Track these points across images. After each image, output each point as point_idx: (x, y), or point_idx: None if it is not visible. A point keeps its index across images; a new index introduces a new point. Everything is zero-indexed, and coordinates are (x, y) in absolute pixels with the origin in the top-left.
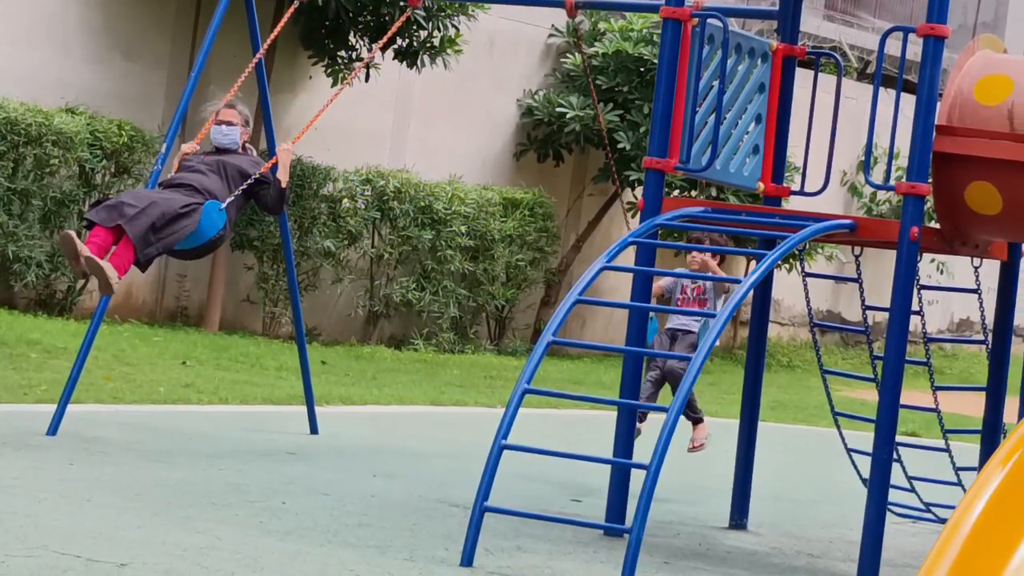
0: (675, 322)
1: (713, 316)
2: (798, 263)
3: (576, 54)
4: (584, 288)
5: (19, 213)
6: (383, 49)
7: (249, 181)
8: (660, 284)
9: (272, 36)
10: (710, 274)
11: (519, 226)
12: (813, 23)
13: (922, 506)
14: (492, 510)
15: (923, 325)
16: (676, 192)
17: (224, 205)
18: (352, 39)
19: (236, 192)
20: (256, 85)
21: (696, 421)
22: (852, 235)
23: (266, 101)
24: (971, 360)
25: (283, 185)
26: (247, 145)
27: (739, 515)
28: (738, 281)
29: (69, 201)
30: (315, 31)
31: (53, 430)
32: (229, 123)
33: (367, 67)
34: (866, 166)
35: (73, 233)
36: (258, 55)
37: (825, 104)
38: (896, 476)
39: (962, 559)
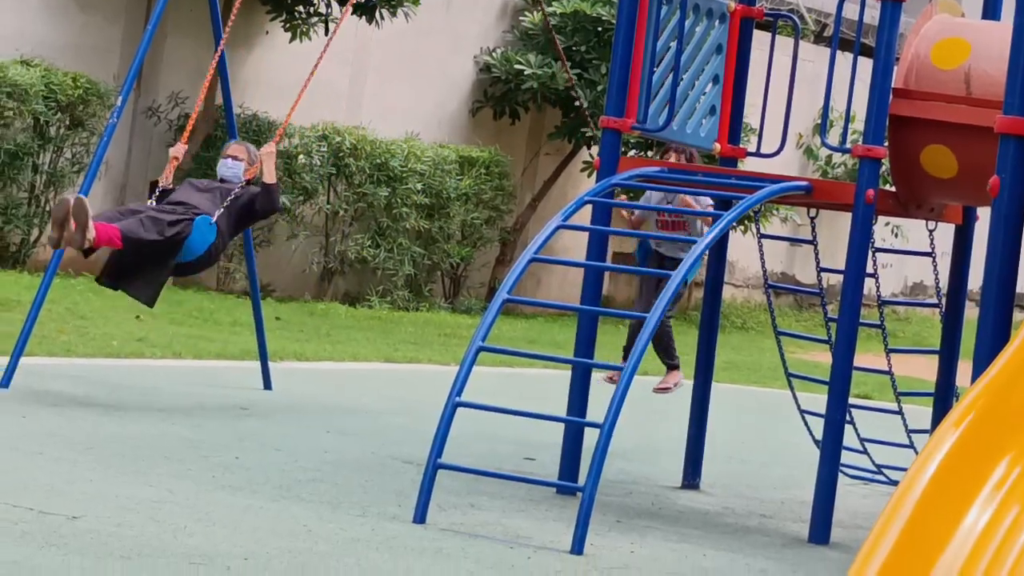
0: (663, 247)
1: (694, 241)
2: (753, 225)
3: (535, 12)
4: (539, 247)
5: None
6: (341, 3)
7: (235, 192)
8: (633, 216)
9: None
10: (679, 206)
11: (475, 184)
12: None
13: (874, 468)
14: (445, 467)
15: (877, 288)
16: (632, 152)
17: (214, 219)
18: None
19: (224, 205)
20: (212, 40)
21: (670, 367)
22: (808, 197)
23: (222, 56)
24: (924, 323)
25: (269, 182)
26: (251, 185)
27: (692, 475)
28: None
29: (23, 153)
30: None
31: (5, 383)
32: (234, 157)
33: (325, 22)
34: (822, 128)
35: (73, 201)
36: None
37: (782, 66)
38: (849, 438)
39: (913, 521)
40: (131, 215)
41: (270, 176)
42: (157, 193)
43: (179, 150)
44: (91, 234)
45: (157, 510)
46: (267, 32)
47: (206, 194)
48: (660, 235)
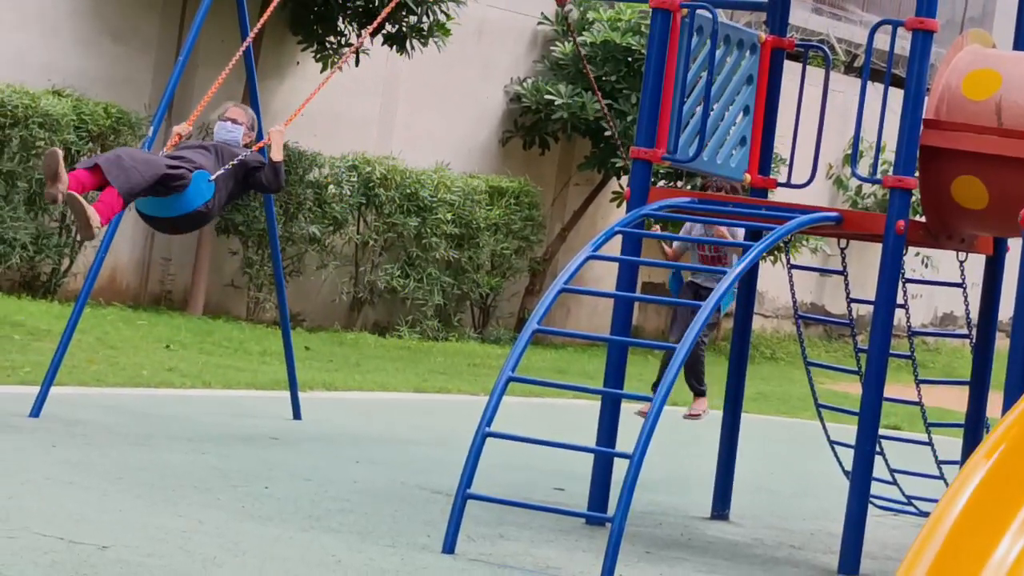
0: (700, 278)
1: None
2: (783, 255)
3: (566, 43)
4: (570, 277)
5: (4, 195)
6: (372, 35)
7: (241, 156)
8: (672, 249)
9: (261, 21)
10: (718, 238)
11: (504, 214)
12: (802, 16)
13: (904, 499)
14: (475, 497)
15: (907, 318)
16: (662, 182)
17: (213, 177)
18: (341, 24)
19: (227, 166)
20: (244, 70)
21: (698, 393)
22: (838, 228)
23: (254, 86)
24: (954, 354)
25: (277, 159)
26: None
27: (721, 506)
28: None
29: None
30: (304, 16)
31: (36, 412)
32: (234, 120)
33: (357, 52)
34: (853, 159)
35: (60, 151)
36: (247, 41)
37: (812, 97)
38: (879, 469)
39: (944, 553)
40: (118, 164)
41: (278, 153)
42: None
43: (184, 128)
44: (95, 221)
45: (187, 540)
46: (298, 63)
47: (203, 151)
48: (692, 266)
